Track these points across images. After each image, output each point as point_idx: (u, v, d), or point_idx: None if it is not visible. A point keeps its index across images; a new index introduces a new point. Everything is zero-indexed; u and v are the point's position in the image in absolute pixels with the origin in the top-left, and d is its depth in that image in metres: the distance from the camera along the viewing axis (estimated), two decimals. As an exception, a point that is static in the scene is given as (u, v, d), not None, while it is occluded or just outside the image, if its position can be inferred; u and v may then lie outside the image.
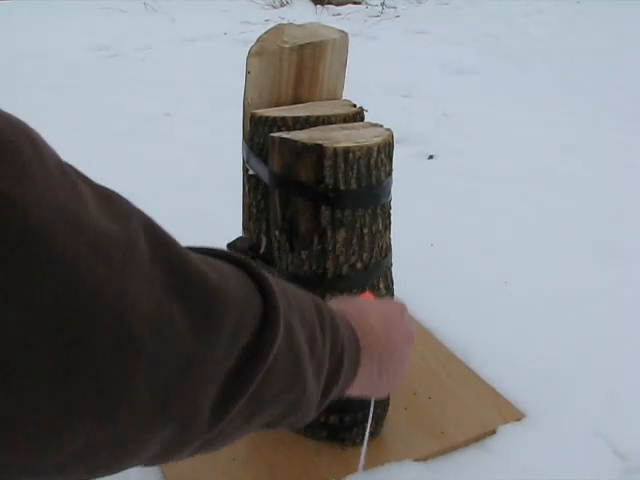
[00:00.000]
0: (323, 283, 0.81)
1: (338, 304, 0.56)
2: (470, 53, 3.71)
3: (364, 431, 0.93)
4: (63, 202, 0.25)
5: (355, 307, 0.57)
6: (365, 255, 0.82)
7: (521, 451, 0.96)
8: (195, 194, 1.78)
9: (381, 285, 0.86)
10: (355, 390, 0.54)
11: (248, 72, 0.88)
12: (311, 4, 4.79)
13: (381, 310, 0.60)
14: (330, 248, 0.80)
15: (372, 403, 0.62)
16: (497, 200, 1.84)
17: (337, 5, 4.85)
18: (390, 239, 0.87)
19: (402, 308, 0.63)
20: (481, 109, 2.72)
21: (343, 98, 0.93)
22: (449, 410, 1.03)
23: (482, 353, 1.17)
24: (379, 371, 0.55)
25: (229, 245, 0.91)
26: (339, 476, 0.90)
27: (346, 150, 0.75)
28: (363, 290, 0.83)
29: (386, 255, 0.86)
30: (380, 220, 0.82)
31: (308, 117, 0.83)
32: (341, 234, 0.79)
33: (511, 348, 1.18)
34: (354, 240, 0.80)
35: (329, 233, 0.79)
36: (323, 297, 0.81)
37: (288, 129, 0.82)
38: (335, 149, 0.75)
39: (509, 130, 2.49)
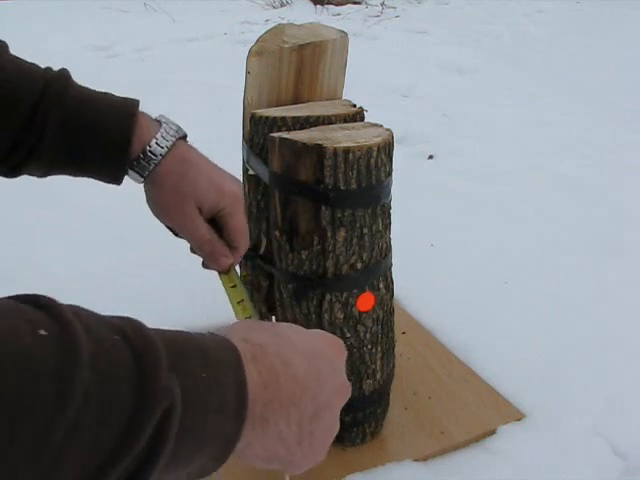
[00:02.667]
0: (323, 283, 0.81)
1: (248, 334, 0.42)
2: (470, 53, 3.70)
3: (363, 432, 0.93)
4: None
5: (274, 340, 0.42)
6: (365, 255, 0.82)
7: (521, 451, 0.96)
8: (195, 194, 1.78)
9: (381, 285, 0.86)
10: (253, 456, 0.41)
11: (248, 72, 0.88)
12: (311, 4, 4.79)
13: (316, 348, 0.44)
14: (330, 248, 0.80)
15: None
16: (497, 200, 1.84)
17: (337, 5, 4.84)
18: (390, 239, 0.87)
19: (340, 348, 0.47)
20: (481, 109, 2.72)
21: (343, 98, 0.93)
22: (449, 410, 1.03)
23: (482, 353, 1.17)
24: (299, 434, 0.40)
25: (229, 245, 0.91)
26: (339, 476, 0.90)
27: (346, 150, 0.75)
28: (363, 290, 0.83)
29: (386, 255, 0.86)
30: (380, 220, 0.82)
31: (308, 117, 0.83)
32: (341, 234, 0.79)
33: (511, 348, 1.18)
34: (354, 240, 0.80)
35: (329, 233, 0.79)
36: (323, 297, 0.81)
37: (288, 129, 0.82)
38: (335, 149, 0.75)
39: (509, 130, 2.49)
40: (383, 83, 2.91)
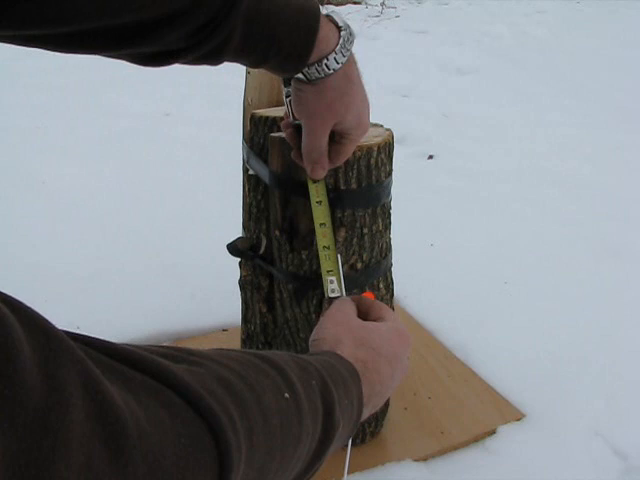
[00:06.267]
0: (323, 283, 0.81)
1: (356, 352, 0.57)
2: (470, 53, 3.71)
3: (365, 432, 0.93)
4: None
5: (371, 354, 0.58)
6: (365, 255, 0.82)
7: (521, 451, 0.96)
8: (195, 194, 1.78)
9: (381, 285, 0.86)
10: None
11: (248, 72, 0.88)
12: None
13: (393, 352, 0.61)
14: (330, 248, 0.79)
15: (349, 443, 0.63)
16: (497, 200, 1.84)
17: (337, 5, 4.85)
18: (390, 239, 0.87)
19: (409, 343, 0.64)
20: (481, 109, 2.72)
21: (343, 98, 0.93)
22: (449, 410, 1.03)
23: (482, 353, 1.17)
24: (367, 413, 0.58)
25: (229, 245, 0.91)
26: (339, 476, 0.90)
27: (346, 150, 0.75)
28: (363, 290, 0.83)
29: (386, 255, 0.86)
30: (380, 220, 0.82)
31: (308, 117, 0.82)
32: (341, 234, 0.79)
33: (511, 348, 1.18)
34: (354, 240, 0.80)
35: (329, 233, 0.79)
36: (323, 297, 0.81)
37: (288, 129, 0.82)
38: (335, 149, 0.75)
39: (509, 130, 2.49)
40: (383, 83, 2.91)
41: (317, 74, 0.62)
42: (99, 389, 0.28)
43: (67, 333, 0.29)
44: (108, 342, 0.33)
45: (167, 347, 0.39)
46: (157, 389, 0.32)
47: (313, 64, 0.62)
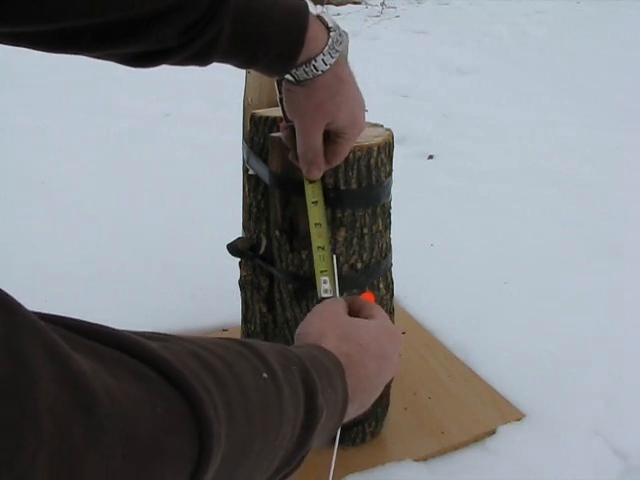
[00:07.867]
0: (323, 283, 0.81)
1: (340, 345, 0.56)
2: (470, 53, 3.71)
3: (364, 431, 0.93)
4: None
5: (357, 349, 0.57)
6: (365, 255, 0.82)
7: (521, 451, 0.96)
8: (195, 194, 1.78)
9: (381, 285, 0.86)
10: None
11: (248, 72, 0.88)
12: (311, 4, 4.80)
13: (381, 349, 0.59)
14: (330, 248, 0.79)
15: (338, 434, 0.63)
16: (497, 200, 1.84)
17: (337, 5, 4.85)
18: (390, 239, 0.87)
19: (400, 342, 0.63)
20: (481, 109, 2.72)
21: (343, 98, 0.93)
22: (449, 410, 1.03)
23: (482, 353, 1.17)
24: (354, 410, 0.57)
25: (229, 245, 0.91)
26: (339, 476, 0.90)
27: (346, 150, 0.75)
28: (363, 290, 0.83)
29: (386, 255, 0.86)
30: (380, 220, 0.82)
31: (308, 117, 0.82)
32: (341, 234, 0.79)
33: (511, 348, 1.18)
34: (354, 240, 0.80)
35: (329, 233, 0.79)
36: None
37: (288, 129, 0.82)
38: (335, 149, 0.75)
39: (509, 130, 2.49)
40: (383, 83, 2.91)
41: (305, 75, 0.62)
42: (65, 360, 0.27)
43: (35, 313, 0.29)
44: (78, 320, 0.32)
45: (143, 332, 0.38)
46: (130, 362, 0.32)
47: (301, 65, 0.61)
